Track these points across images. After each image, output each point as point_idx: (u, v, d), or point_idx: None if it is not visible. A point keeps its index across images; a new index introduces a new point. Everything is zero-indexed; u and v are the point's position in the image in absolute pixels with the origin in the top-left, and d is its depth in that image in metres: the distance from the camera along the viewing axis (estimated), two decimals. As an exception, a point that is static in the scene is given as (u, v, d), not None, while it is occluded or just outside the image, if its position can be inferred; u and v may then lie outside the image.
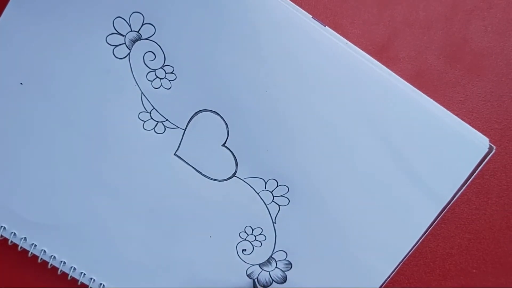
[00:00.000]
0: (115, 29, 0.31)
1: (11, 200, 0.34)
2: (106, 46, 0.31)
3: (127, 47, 0.31)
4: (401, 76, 0.31)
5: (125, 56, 0.32)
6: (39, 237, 0.34)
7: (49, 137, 0.33)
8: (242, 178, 0.33)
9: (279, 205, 0.34)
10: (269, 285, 0.35)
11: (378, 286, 0.34)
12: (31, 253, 0.35)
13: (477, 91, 0.34)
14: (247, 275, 0.35)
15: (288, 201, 0.33)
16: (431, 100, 0.31)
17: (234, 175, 0.33)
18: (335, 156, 0.32)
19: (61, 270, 0.35)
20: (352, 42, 0.31)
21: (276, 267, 0.35)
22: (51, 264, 0.35)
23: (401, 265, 0.33)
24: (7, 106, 0.32)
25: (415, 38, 0.34)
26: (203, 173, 0.33)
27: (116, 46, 0.31)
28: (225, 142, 0.33)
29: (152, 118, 0.33)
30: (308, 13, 0.31)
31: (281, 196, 0.33)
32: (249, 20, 0.30)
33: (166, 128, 0.33)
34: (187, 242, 0.34)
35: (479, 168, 0.32)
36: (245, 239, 0.34)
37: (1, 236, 0.35)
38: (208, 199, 0.34)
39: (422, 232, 0.33)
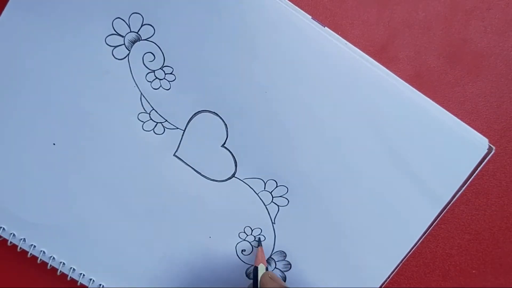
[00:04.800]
0: (115, 30, 0.31)
1: (10, 201, 0.34)
2: (106, 47, 0.31)
3: (127, 48, 0.31)
4: (400, 77, 0.31)
5: (125, 57, 0.32)
6: (39, 238, 0.34)
7: (47, 137, 0.33)
8: (241, 179, 0.33)
9: (278, 206, 0.34)
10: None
11: (378, 286, 0.34)
12: (31, 253, 0.35)
13: (477, 91, 0.34)
14: (246, 275, 0.35)
15: (287, 201, 0.33)
16: (431, 100, 0.31)
17: (233, 175, 0.33)
18: (334, 156, 0.32)
19: (60, 271, 0.35)
20: (352, 43, 0.31)
21: (275, 267, 0.35)
22: (50, 265, 0.35)
23: (401, 265, 0.33)
24: (6, 107, 0.32)
25: (415, 39, 0.34)
26: (202, 173, 0.33)
27: (116, 47, 0.31)
28: (224, 143, 0.33)
29: (151, 119, 0.33)
30: (308, 13, 0.31)
31: (281, 196, 0.33)
32: (248, 21, 0.30)
33: (165, 129, 0.33)
34: (187, 242, 0.34)
35: (479, 168, 0.31)
36: (245, 240, 0.34)
37: (0, 237, 0.35)
38: (208, 199, 0.34)
39: (422, 233, 0.33)
